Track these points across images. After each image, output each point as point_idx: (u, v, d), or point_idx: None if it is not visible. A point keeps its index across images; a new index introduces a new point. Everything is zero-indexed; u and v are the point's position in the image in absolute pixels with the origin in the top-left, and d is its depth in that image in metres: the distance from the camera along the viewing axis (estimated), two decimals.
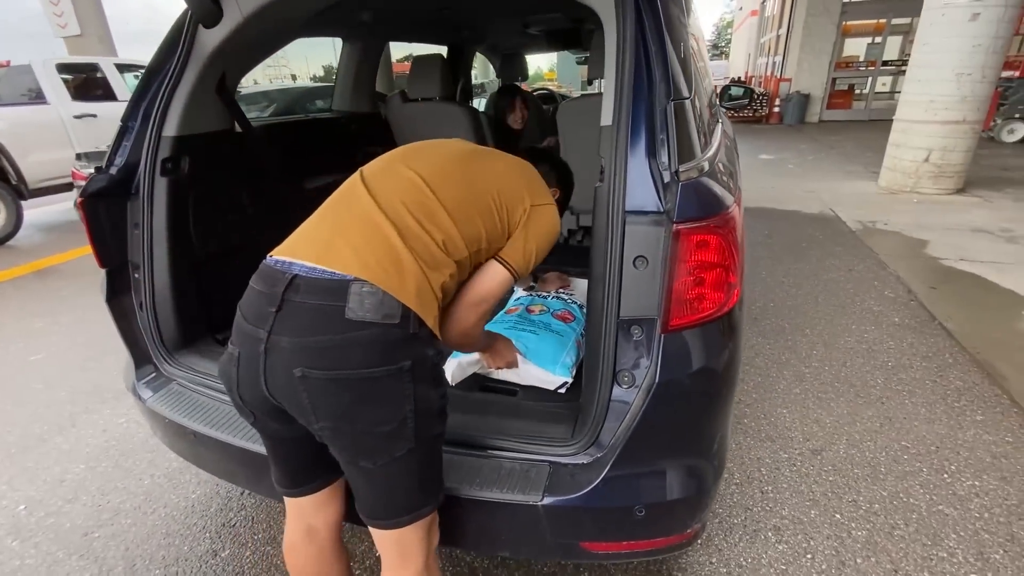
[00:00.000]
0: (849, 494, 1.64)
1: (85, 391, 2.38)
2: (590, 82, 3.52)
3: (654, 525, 1.02)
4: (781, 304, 2.95)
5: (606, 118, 1.01)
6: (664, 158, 0.91)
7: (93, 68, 6.12)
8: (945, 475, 1.70)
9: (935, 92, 4.91)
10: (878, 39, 11.97)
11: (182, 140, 1.46)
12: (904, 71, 5.79)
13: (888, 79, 12.67)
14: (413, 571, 0.90)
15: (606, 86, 1.04)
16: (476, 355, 1.34)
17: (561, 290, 1.62)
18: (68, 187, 5.60)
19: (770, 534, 1.52)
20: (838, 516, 1.57)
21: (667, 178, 0.90)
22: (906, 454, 1.80)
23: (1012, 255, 3.51)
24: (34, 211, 6.04)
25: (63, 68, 5.77)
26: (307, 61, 31.46)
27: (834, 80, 11.96)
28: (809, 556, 1.44)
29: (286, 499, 1.00)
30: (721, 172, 1.04)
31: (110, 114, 5.81)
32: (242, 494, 1.74)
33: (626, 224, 0.93)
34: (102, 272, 1.47)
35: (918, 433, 1.89)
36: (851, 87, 12.49)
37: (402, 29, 2.86)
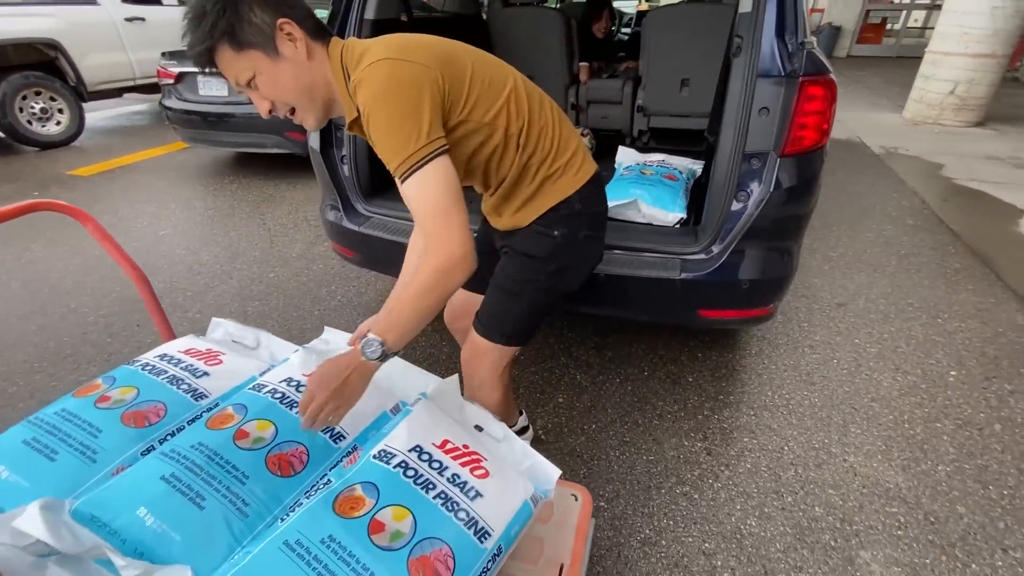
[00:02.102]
0: (865, 328, 2.17)
1: (229, 254, 2.87)
2: None
3: (750, 298, 1.53)
4: None
5: (745, 6, 1.40)
6: (790, 35, 1.32)
7: None
8: (939, 319, 2.23)
9: (969, 24, 5.10)
10: None
11: (376, 23, 1.84)
12: (939, 5, 5.90)
13: (922, 14, 12.40)
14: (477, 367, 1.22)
15: None
16: None
17: (661, 163, 2.06)
18: (120, 92, 5.80)
19: (806, 349, 2.06)
20: (856, 341, 2.10)
21: (792, 48, 1.32)
22: (911, 307, 2.32)
23: (1017, 178, 3.92)
24: (90, 115, 6.28)
25: None
26: None
27: (868, 12, 11.71)
28: (835, 362, 1.99)
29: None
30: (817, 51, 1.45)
31: (158, 18, 5.90)
32: None
33: (756, 83, 1.36)
34: (314, 135, 1.87)
35: (921, 295, 2.41)
36: (884, 20, 12.24)
37: None
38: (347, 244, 1.95)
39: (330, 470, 0.93)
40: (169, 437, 0.96)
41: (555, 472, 0.96)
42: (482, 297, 1.19)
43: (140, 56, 5.70)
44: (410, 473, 0.86)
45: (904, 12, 11.93)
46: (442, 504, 0.83)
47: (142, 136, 5.63)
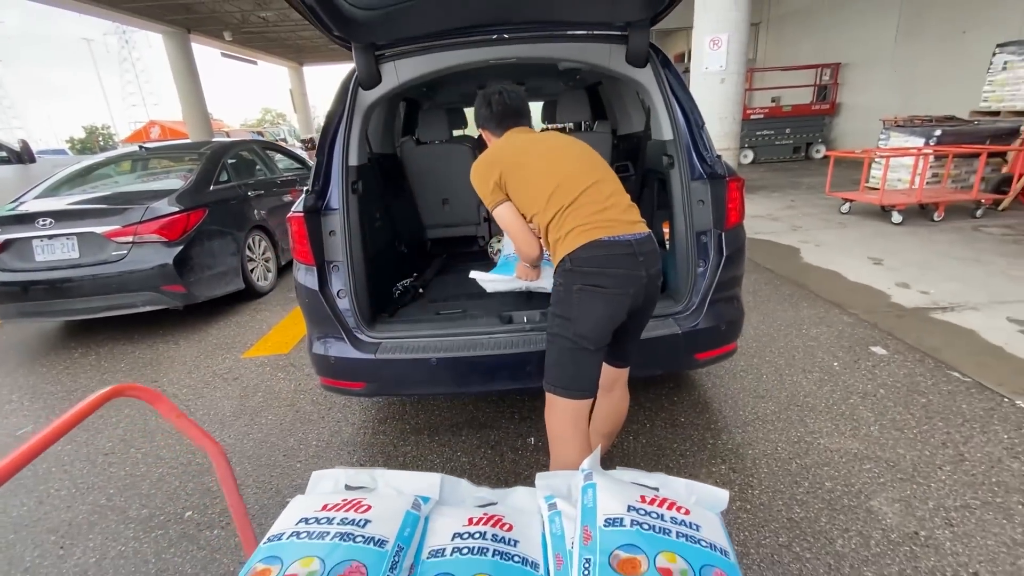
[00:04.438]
0: (767, 348, 2.83)
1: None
2: (547, 121, 4.68)
3: (726, 337, 1.97)
4: None
5: (667, 135, 1.98)
6: (705, 151, 1.91)
7: None
8: (803, 330, 3.02)
9: (713, 132, 7.17)
10: None
11: (359, 168, 2.01)
12: None
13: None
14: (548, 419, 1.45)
15: (657, 119, 2.02)
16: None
17: None
18: None
19: (740, 374, 2.59)
20: (767, 358, 2.72)
21: (710, 160, 1.90)
22: (782, 327, 3.09)
23: (779, 228, 5.50)
24: None
25: None
26: None
27: None
28: (765, 377, 2.54)
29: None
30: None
31: None
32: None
33: (692, 184, 1.91)
34: (308, 268, 1.89)
35: (783, 317, 3.23)
36: None
37: (452, 97, 3.86)
38: (355, 376, 1.92)
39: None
40: None
41: (724, 493, 1.16)
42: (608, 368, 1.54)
43: None
44: (646, 526, 0.99)
45: None
46: (687, 540, 0.97)
47: None
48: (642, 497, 1.09)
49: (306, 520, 1.06)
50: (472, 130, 4.93)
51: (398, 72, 2.01)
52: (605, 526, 0.98)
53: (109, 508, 1.99)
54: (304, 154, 6.41)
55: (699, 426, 2.18)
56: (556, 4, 1.89)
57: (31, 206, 3.68)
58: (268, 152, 5.47)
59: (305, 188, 1.90)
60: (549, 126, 4.63)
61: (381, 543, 1.02)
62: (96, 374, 3.19)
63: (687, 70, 7.74)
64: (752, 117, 10.96)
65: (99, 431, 2.51)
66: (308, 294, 1.90)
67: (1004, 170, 5.82)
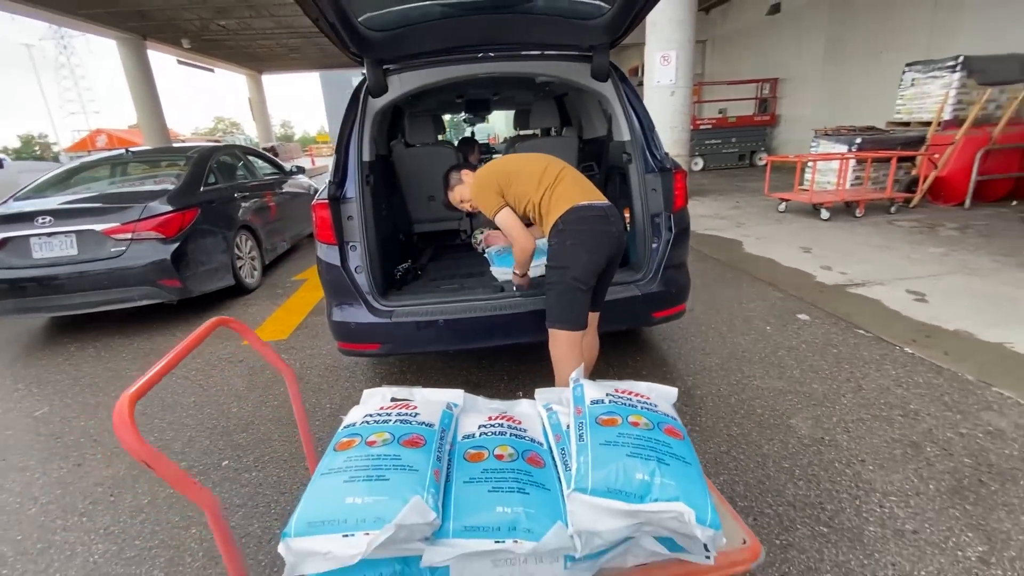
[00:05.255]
0: (714, 316, 3.32)
1: None
2: (519, 128, 5.25)
3: (677, 299, 2.42)
4: None
5: (624, 136, 2.43)
6: (656, 149, 2.37)
7: None
8: (744, 307, 3.54)
9: (665, 139, 7.82)
10: None
11: (370, 163, 2.36)
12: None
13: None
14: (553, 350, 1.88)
15: (618, 124, 2.47)
16: None
17: None
18: None
19: (691, 336, 3.06)
20: (712, 324, 3.21)
21: (659, 156, 2.36)
22: (726, 303, 3.60)
23: (724, 225, 6.12)
24: None
25: None
26: None
27: None
28: (712, 334, 3.02)
29: None
30: None
31: None
32: None
33: (646, 176, 2.36)
34: (331, 247, 2.22)
35: (727, 295, 3.75)
36: None
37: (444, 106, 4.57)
38: (372, 339, 2.26)
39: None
40: (441, 452, 1.29)
41: (674, 390, 1.57)
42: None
43: None
44: (620, 402, 1.39)
45: None
46: (648, 410, 1.38)
47: None
48: (616, 389, 1.49)
49: (370, 415, 1.42)
50: (448, 136, 5.39)
51: (402, 83, 2.39)
52: (591, 404, 1.38)
53: None
54: None
55: (658, 376, 2.62)
56: (534, 30, 2.32)
57: (25, 205, 3.81)
58: (249, 157, 5.68)
59: (328, 180, 2.23)
60: (521, 132, 5.07)
61: (430, 425, 1.39)
62: (99, 364, 3.36)
63: (641, 83, 8.39)
64: (701, 127, 11.81)
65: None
66: (331, 269, 2.23)
67: (913, 172, 6.67)
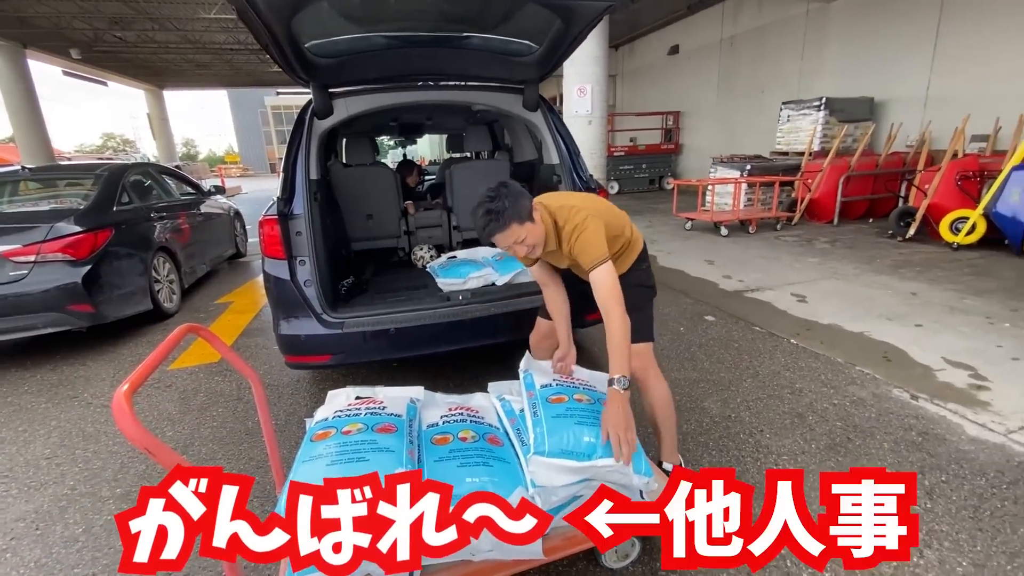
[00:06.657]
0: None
1: None
2: (452, 151, 5.64)
3: None
4: None
5: (554, 159, 2.72)
6: (582, 171, 2.68)
7: None
8: (679, 324, 3.95)
9: (591, 164, 8.41)
10: None
11: (317, 182, 2.45)
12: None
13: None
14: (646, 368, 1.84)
15: (548, 148, 2.76)
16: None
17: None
18: None
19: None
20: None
21: (585, 177, 2.67)
22: (666, 319, 3.99)
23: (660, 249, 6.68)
24: None
25: None
26: None
27: None
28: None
29: None
30: None
31: None
32: None
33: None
34: (279, 262, 2.27)
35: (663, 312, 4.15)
36: None
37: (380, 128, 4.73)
38: (323, 350, 2.32)
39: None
40: (412, 437, 1.43)
41: (604, 375, 1.81)
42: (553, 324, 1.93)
43: None
44: (566, 384, 1.61)
45: None
46: (591, 390, 1.61)
47: None
48: (561, 375, 1.72)
49: (340, 411, 1.53)
50: (380, 157, 5.55)
51: (347, 106, 2.52)
52: (540, 388, 1.59)
53: (77, 495, 2.12)
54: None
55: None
56: (471, 65, 2.57)
57: None
58: (164, 176, 5.40)
59: (276, 196, 2.30)
60: (455, 155, 5.30)
61: (398, 416, 1.53)
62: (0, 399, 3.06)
63: (560, 112, 9.00)
64: (615, 154, 12.74)
65: (27, 443, 2.52)
66: (280, 284, 2.27)
67: (793, 195, 7.72)
